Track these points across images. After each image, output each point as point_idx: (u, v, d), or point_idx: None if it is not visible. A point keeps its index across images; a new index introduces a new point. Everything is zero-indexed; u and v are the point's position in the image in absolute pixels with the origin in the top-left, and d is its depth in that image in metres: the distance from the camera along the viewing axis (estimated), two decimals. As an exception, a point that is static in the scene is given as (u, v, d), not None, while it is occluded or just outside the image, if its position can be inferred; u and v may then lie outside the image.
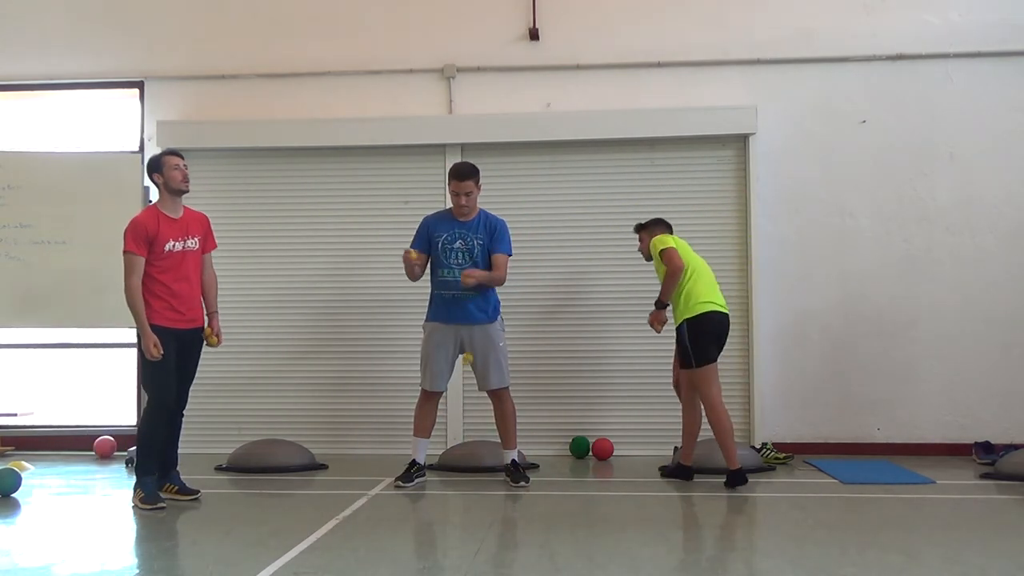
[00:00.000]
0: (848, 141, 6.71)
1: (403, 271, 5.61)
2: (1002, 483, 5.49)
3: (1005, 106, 6.63)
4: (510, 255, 5.62)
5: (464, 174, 5.51)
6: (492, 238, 5.54)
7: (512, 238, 5.55)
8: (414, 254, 5.46)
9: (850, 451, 6.50)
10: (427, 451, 5.64)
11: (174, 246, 4.97)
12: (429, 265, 5.60)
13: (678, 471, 5.67)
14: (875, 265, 6.66)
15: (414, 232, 5.64)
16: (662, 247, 5.54)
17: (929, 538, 4.23)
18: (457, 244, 5.49)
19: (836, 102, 6.72)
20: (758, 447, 6.30)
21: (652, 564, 3.75)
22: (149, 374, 4.98)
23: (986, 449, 6.21)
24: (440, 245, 5.52)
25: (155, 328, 4.89)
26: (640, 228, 5.93)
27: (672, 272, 5.44)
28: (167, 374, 4.94)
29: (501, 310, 5.66)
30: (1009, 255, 6.58)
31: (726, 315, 5.57)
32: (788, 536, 4.24)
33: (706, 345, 5.45)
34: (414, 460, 5.54)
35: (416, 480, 5.48)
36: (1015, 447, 6.05)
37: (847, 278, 6.68)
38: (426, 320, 5.65)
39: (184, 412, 5.20)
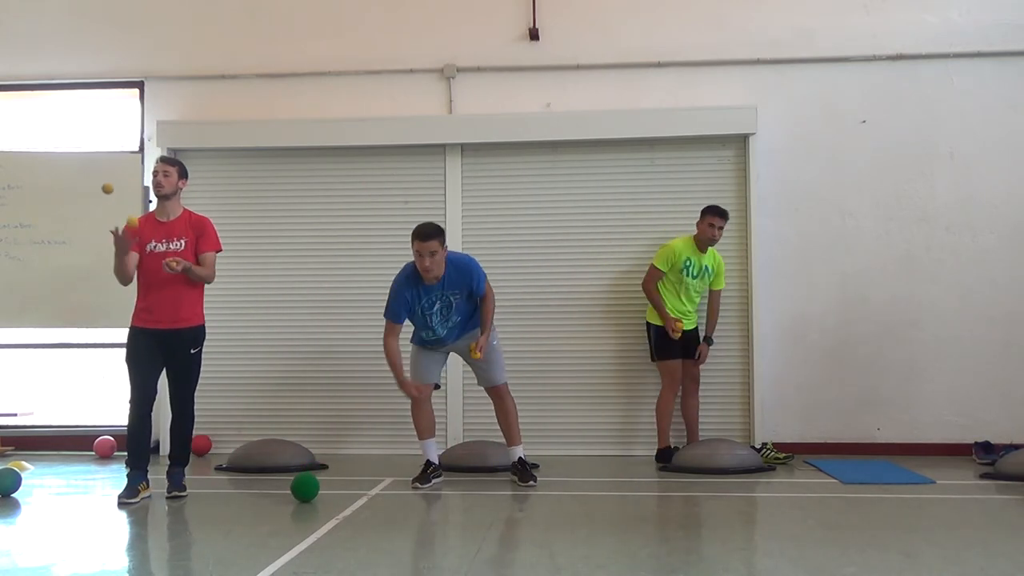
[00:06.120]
0: (848, 141, 6.71)
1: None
2: (1002, 483, 5.49)
3: (1005, 106, 6.63)
4: (486, 279, 5.44)
5: (427, 235, 5.16)
6: (472, 287, 5.34)
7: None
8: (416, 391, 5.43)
9: (850, 451, 6.50)
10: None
11: (155, 247, 5.11)
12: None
13: (663, 455, 6.17)
14: (875, 265, 6.66)
15: (387, 297, 5.40)
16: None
17: (929, 538, 4.23)
18: (436, 307, 5.37)
19: (836, 102, 6.73)
20: (758, 447, 6.30)
21: (652, 564, 3.75)
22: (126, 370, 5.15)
23: (986, 449, 6.21)
24: (420, 312, 5.39)
25: (131, 328, 5.12)
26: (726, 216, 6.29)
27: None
28: (135, 369, 5.07)
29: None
30: (1009, 254, 6.58)
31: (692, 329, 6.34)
32: (788, 536, 4.24)
33: (663, 346, 6.19)
34: (428, 460, 5.54)
35: (433, 480, 5.48)
36: (1015, 447, 6.05)
37: (847, 278, 6.68)
38: (413, 341, 5.64)
39: (192, 414, 5.27)
